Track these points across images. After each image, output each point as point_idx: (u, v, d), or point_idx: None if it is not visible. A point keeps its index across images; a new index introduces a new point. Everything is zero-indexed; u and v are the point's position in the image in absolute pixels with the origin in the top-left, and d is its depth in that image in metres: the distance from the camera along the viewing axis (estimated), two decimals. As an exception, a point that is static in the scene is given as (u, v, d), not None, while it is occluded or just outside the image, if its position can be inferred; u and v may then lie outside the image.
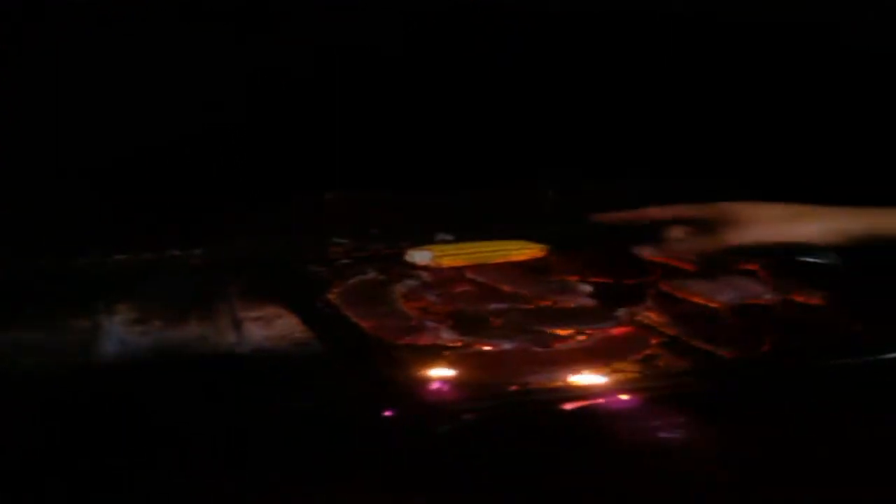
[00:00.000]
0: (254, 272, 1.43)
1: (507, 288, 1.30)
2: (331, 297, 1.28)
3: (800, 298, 1.24)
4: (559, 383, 0.99)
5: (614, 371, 1.02)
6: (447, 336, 1.11)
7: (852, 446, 0.91)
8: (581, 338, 1.12)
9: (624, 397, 0.96)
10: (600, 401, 0.95)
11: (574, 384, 0.99)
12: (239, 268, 1.46)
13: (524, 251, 1.44)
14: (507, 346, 1.09)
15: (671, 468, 0.86)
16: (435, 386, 0.99)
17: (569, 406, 0.94)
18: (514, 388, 0.98)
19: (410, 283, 1.32)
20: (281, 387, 1.05)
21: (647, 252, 1.40)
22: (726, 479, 0.85)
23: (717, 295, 1.24)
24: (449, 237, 1.55)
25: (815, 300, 1.23)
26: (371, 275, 1.35)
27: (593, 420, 0.94)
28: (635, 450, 0.90)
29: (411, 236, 1.55)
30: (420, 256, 1.41)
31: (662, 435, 0.90)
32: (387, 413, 0.93)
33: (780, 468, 0.88)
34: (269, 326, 1.25)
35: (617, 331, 1.14)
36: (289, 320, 1.26)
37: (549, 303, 1.25)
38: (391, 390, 0.98)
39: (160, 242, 1.54)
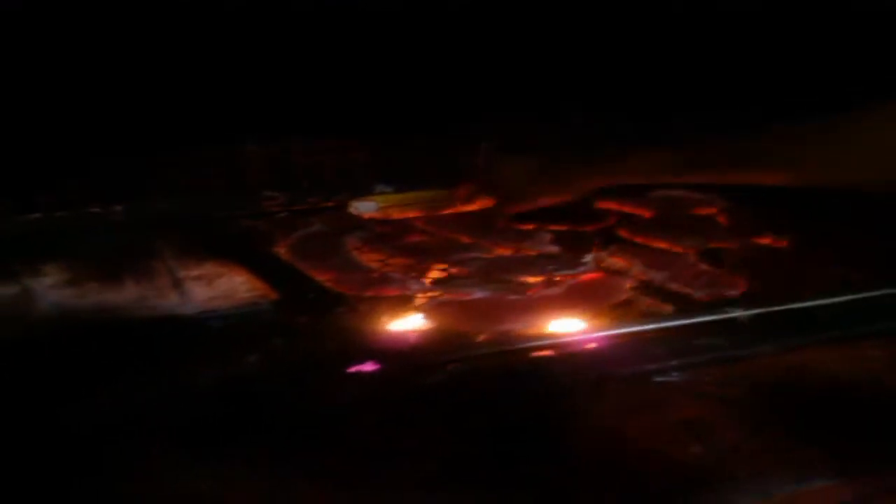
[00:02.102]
0: (186, 228, 1.35)
1: (464, 238, 1.25)
2: (278, 251, 1.22)
3: (764, 241, 1.22)
4: (542, 330, 0.95)
5: (595, 316, 0.98)
6: (416, 287, 1.06)
7: (829, 382, 0.89)
8: (552, 285, 1.07)
9: (613, 341, 0.92)
10: (592, 345, 0.91)
11: (558, 331, 0.95)
12: (166, 224, 1.38)
13: (472, 200, 1.39)
14: (479, 294, 1.04)
15: (664, 410, 0.82)
16: (414, 338, 0.94)
17: (555, 353, 0.90)
18: (496, 336, 0.92)
19: (362, 234, 1.26)
20: (238, 347, 0.97)
21: (599, 199, 1.38)
22: (723, 419, 0.81)
23: (681, 238, 1.21)
24: (388, 188, 1.49)
25: (780, 243, 1.21)
26: (317, 227, 1.29)
27: (583, 366, 0.90)
28: (628, 394, 0.86)
29: (347, 188, 1.49)
30: (365, 207, 1.35)
31: (657, 379, 0.86)
32: (369, 367, 0.87)
33: (773, 408, 0.85)
34: (212, 285, 1.18)
35: (588, 277, 1.09)
36: (232, 278, 1.19)
37: (510, 251, 1.21)
38: (368, 343, 0.92)
39: (73, 200, 1.45)
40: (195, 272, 1.21)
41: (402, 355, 0.90)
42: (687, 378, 0.86)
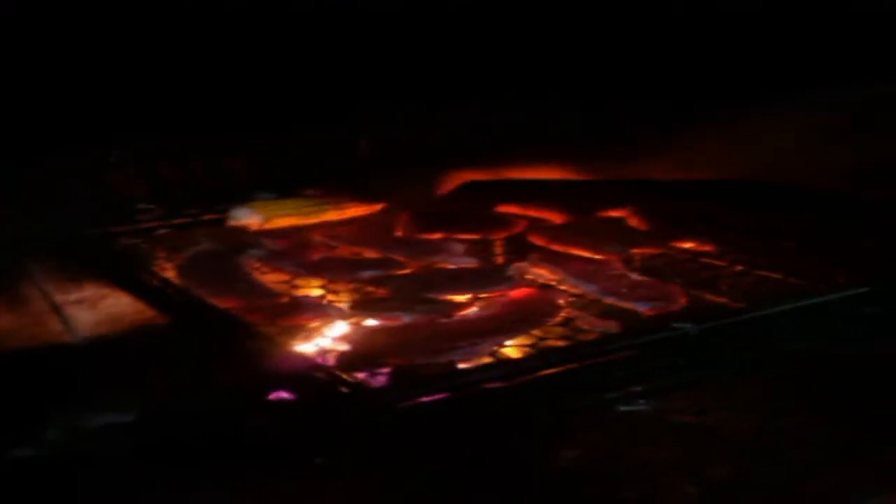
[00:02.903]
0: (53, 247, 1.21)
1: (369, 252, 1.16)
2: (165, 272, 1.10)
3: (686, 245, 1.17)
4: (487, 359, 0.86)
5: (540, 339, 0.90)
6: (335, 312, 0.96)
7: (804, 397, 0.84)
8: (481, 303, 0.99)
9: (566, 367, 0.84)
10: (548, 371, 0.82)
11: (507, 358, 0.86)
12: (30, 242, 1.24)
13: (358, 205, 1.30)
14: (406, 318, 0.94)
15: (642, 446, 0.76)
16: (341, 377, 0.83)
17: (506, 384, 0.81)
18: (439, 370, 0.83)
19: (257, 252, 1.14)
20: (140, 377, 0.86)
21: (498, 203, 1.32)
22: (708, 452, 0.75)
23: (599, 245, 1.15)
24: (268, 195, 1.38)
25: (703, 247, 1.16)
26: (206, 245, 1.17)
27: (537, 397, 0.82)
28: (596, 428, 0.78)
29: (224, 196, 1.37)
30: (242, 214, 1.24)
31: (622, 409, 0.80)
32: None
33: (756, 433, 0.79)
34: (95, 309, 1.06)
35: (517, 293, 1.02)
36: (118, 300, 1.08)
37: (424, 264, 1.12)
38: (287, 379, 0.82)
39: None
40: (73, 295, 1.10)
41: (328, 394, 0.80)
42: (657, 406, 0.79)
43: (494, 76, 1.45)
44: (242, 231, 1.24)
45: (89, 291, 1.10)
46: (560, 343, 0.90)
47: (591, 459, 0.73)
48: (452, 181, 1.29)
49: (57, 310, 1.05)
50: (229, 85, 1.39)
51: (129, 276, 1.10)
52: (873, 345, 0.92)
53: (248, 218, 1.26)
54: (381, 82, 1.50)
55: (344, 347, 0.88)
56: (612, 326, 0.93)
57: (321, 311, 0.96)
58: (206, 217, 1.31)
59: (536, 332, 0.91)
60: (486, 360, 0.85)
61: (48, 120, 1.32)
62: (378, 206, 1.30)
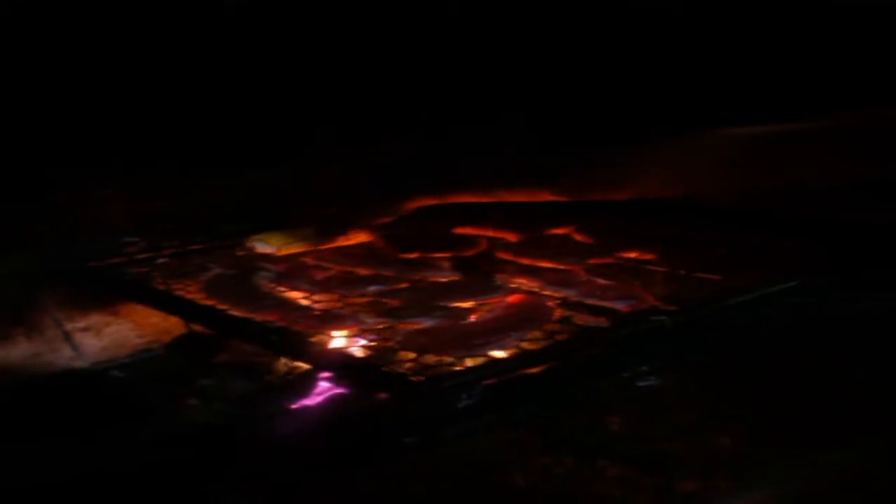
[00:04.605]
0: (64, 278, 1.31)
1: (361, 270, 1.31)
2: (190, 294, 1.22)
3: (631, 255, 1.37)
4: (516, 350, 1.03)
5: (553, 333, 1.08)
6: (370, 321, 1.11)
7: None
8: (486, 308, 1.17)
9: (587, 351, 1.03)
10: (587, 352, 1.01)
11: (532, 349, 1.04)
12: (34, 275, 1.33)
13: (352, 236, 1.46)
14: (430, 323, 1.11)
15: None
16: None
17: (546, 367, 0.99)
18: (483, 359, 1.00)
19: (267, 274, 1.28)
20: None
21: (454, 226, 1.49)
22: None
23: (560, 257, 1.34)
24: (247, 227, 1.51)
25: (645, 255, 1.36)
26: (216, 269, 1.30)
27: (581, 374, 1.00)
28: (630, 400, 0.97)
29: (201, 228, 1.49)
30: (258, 244, 1.39)
31: (640, 383, 0.99)
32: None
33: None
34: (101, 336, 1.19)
35: (512, 298, 1.19)
36: (120, 326, 1.20)
37: (417, 278, 1.28)
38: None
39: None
40: (81, 323, 1.21)
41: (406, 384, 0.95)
42: (668, 381, 0.99)
43: (444, 104, 1.62)
44: (245, 257, 1.37)
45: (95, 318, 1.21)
46: (565, 336, 1.08)
47: (627, 422, 0.92)
48: (408, 206, 1.46)
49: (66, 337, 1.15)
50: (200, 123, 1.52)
51: (156, 299, 1.22)
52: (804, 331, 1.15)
53: (263, 247, 1.39)
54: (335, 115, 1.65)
55: (396, 346, 1.04)
56: (602, 322, 1.12)
57: (354, 319, 1.11)
58: (194, 247, 1.43)
59: (547, 327, 1.09)
60: (514, 351, 1.03)
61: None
62: (361, 236, 1.46)
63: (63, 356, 1.18)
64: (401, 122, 1.64)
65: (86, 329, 1.24)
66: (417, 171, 1.57)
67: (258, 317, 1.12)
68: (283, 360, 1.00)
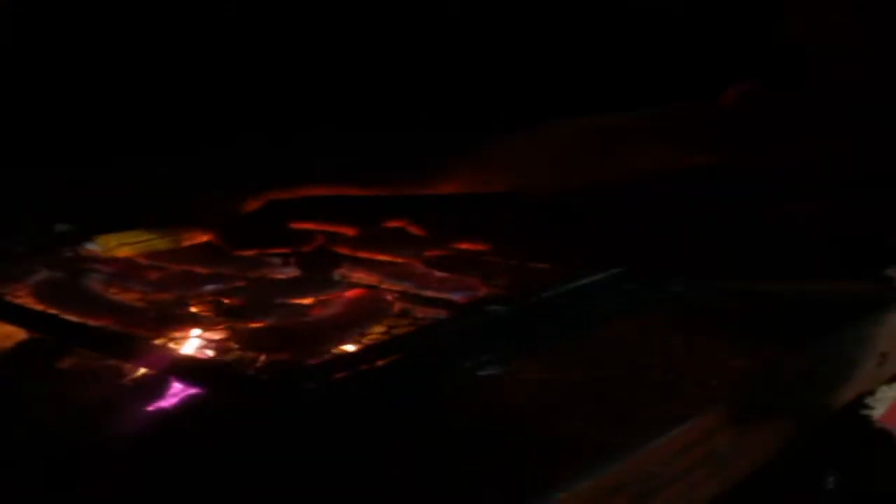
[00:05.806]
0: None
1: (199, 269, 1.30)
2: (18, 299, 1.18)
3: (465, 246, 1.40)
4: (358, 346, 1.05)
5: (391, 328, 1.10)
6: (207, 321, 1.10)
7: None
8: (324, 305, 1.17)
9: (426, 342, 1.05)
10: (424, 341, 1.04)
11: (375, 343, 1.05)
12: None
13: (190, 235, 1.44)
14: (270, 321, 1.11)
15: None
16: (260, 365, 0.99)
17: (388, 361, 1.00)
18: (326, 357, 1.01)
19: (97, 276, 1.25)
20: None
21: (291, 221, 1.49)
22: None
23: (397, 250, 1.36)
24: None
25: (478, 247, 1.40)
26: (45, 273, 1.26)
27: (420, 368, 1.02)
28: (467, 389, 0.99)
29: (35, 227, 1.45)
30: (92, 245, 1.35)
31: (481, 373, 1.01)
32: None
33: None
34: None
35: (351, 293, 1.20)
36: None
37: (256, 276, 1.28)
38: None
39: None
40: None
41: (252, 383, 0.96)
42: (507, 370, 1.02)
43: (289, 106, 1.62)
44: (73, 259, 1.33)
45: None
46: (410, 329, 1.10)
47: (470, 411, 0.95)
48: (255, 201, 1.45)
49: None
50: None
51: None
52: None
53: (93, 248, 1.35)
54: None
55: (237, 347, 1.03)
56: (441, 313, 1.15)
57: (194, 320, 1.10)
58: (20, 249, 1.38)
59: (387, 322, 1.11)
60: (356, 347, 1.05)
61: None
62: (198, 235, 1.44)
63: None
64: (255, 122, 1.64)
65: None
66: (265, 170, 1.56)
67: (95, 321, 1.09)
68: (129, 365, 0.98)
